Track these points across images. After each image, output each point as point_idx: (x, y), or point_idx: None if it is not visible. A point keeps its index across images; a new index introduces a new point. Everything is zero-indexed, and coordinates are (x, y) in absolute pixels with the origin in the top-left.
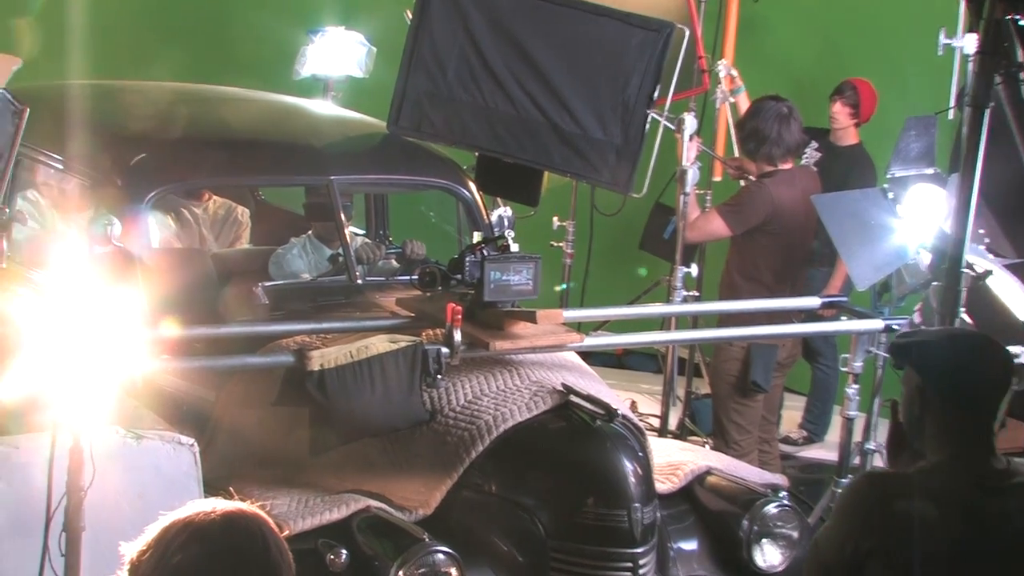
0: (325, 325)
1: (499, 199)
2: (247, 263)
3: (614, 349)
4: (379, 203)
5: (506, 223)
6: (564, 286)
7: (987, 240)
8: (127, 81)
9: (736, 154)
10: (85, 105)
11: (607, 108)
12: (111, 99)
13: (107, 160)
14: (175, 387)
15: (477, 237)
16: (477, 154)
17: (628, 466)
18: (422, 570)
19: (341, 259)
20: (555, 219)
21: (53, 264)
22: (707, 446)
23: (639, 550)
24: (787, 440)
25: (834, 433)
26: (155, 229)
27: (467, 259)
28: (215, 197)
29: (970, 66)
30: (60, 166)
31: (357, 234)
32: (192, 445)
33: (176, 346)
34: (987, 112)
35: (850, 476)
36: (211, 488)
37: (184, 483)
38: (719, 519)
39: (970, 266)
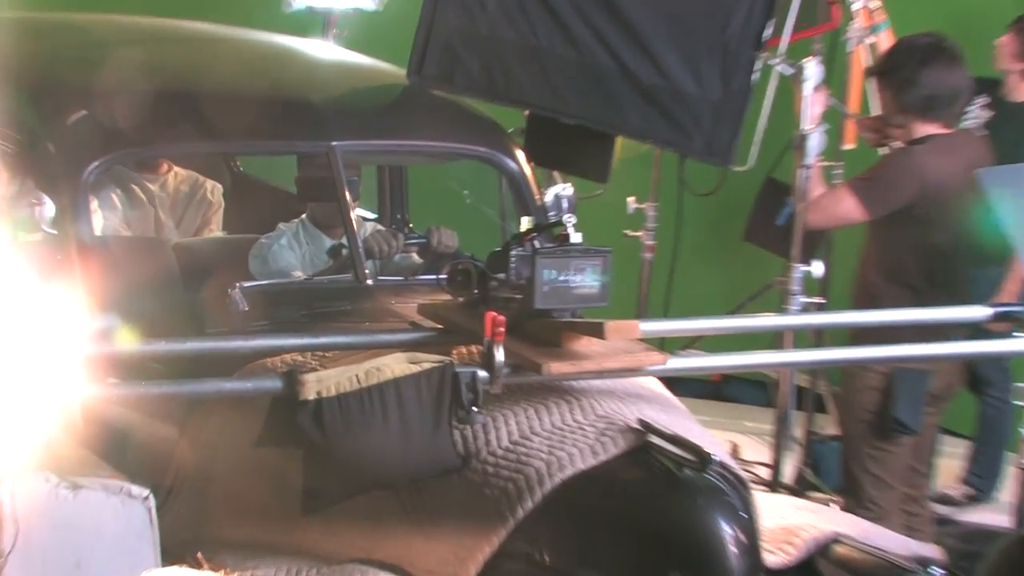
0: (323, 339)
1: (556, 173)
2: (220, 256)
3: (709, 374)
4: (396, 178)
5: (565, 204)
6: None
7: None
8: (61, 14)
9: (875, 112)
10: (4, 44)
11: (701, 52)
12: (40, 36)
13: (33, 118)
14: (125, 421)
15: (526, 223)
16: (527, 113)
17: (726, 530)
18: None
19: (345, 252)
20: (631, 200)
21: None
22: (834, 505)
23: None
24: (944, 498)
25: (1008, 490)
26: (98, 211)
27: (513, 252)
28: (176, 169)
29: None
30: None
31: (367, 219)
32: (146, 498)
33: (126, 366)
34: None
35: None
36: (171, 554)
37: (135, 547)
38: None
39: None
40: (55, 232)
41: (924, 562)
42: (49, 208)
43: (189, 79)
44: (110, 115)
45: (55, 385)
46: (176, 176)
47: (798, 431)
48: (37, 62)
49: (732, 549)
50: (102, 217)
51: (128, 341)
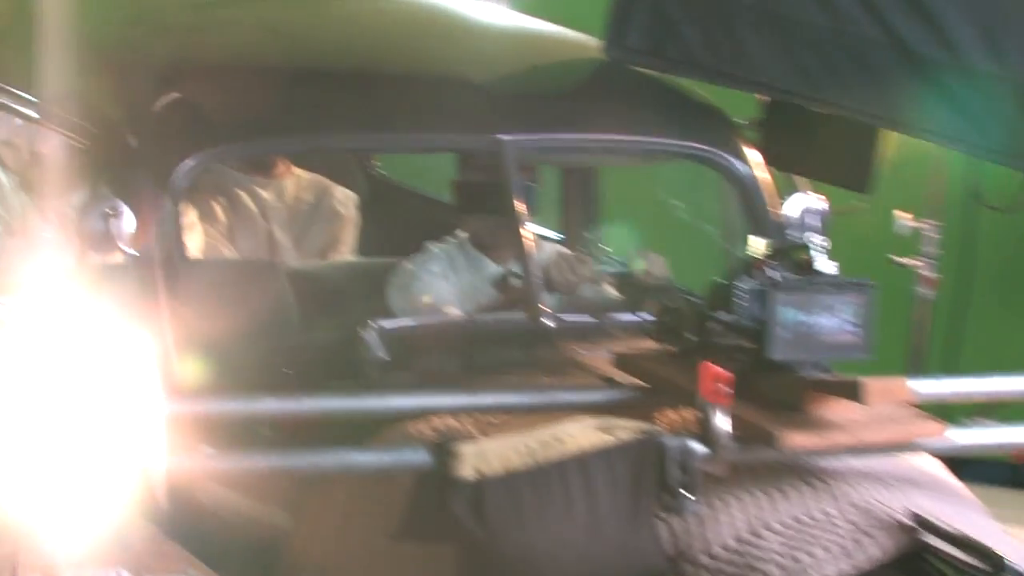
0: (487, 398)
1: (801, 178)
2: (351, 285)
3: (1007, 453)
4: (585, 184)
5: (813, 221)
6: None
7: None
8: None
9: None
10: (75, 9)
11: (999, 17)
12: None
13: (111, 103)
14: (223, 502)
15: (759, 246)
16: (763, 99)
17: None
18: None
19: (516, 282)
20: (900, 216)
21: (17, 283)
22: None
23: None
24: None
25: None
26: (193, 225)
27: (740, 286)
28: (296, 171)
29: None
30: (30, 113)
31: (546, 239)
32: None
33: (225, 430)
34: None
35: None
36: None
37: None
38: None
39: None
40: (136, 252)
41: None
42: (129, 221)
43: (313, 52)
44: (209, 98)
45: (132, 454)
46: (296, 180)
47: None
48: (112, 28)
49: None
50: (198, 233)
51: (228, 397)
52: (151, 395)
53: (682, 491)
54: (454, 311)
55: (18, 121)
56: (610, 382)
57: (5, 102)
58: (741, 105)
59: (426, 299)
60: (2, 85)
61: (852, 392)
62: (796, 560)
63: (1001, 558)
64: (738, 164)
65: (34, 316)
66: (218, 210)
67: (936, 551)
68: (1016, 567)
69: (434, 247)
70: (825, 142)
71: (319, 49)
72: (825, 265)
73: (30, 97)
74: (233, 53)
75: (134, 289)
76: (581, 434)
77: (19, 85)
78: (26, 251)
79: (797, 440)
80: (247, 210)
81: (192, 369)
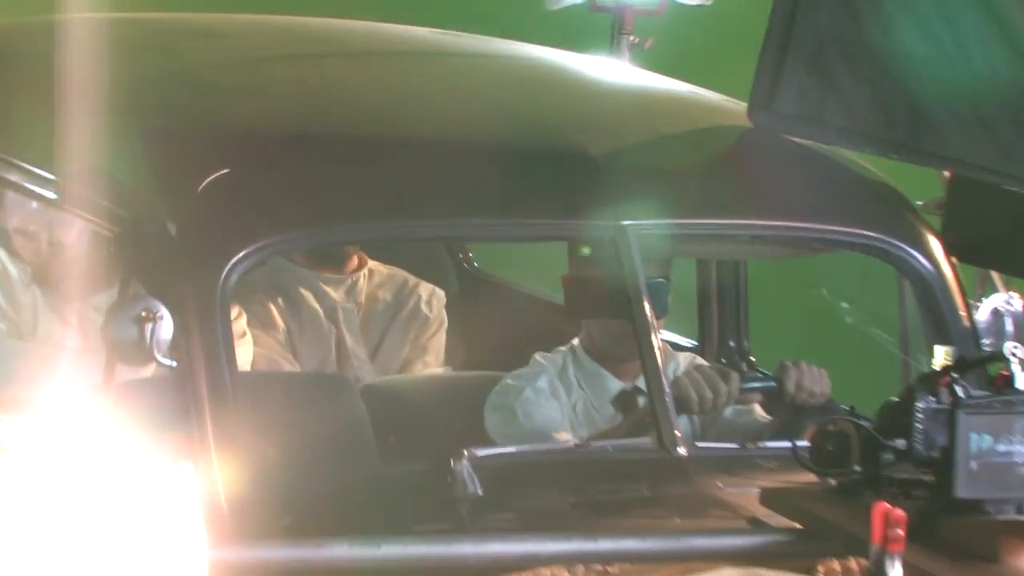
0: (606, 544)
1: (995, 274)
2: (438, 404)
3: None
4: (728, 280)
5: (1009, 327)
6: None
7: None
8: (189, 14)
9: None
10: (103, 64)
11: None
12: (157, 51)
13: (147, 181)
14: None
15: (943, 356)
16: (947, 175)
17: None
18: None
19: (642, 401)
20: None
21: (33, 400)
22: None
23: None
24: None
25: None
26: (245, 331)
27: (919, 405)
28: (372, 264)
29: None
30: (48, 194)
31: (679, 347)
32: None
33: None
34: None
35: None
36: None
37: None
38: None
39: None
40: (175, 364)
41: None
42: (167, 326)
43: (395, 119)
44: (267, 175)
45: None
46: (372, 276)
47: None
48: (149, 90)
49: None
50: (251, 340)
51: (289, 541)
52: (194, 542)
53: None
54: (565, 437)
55: (34, 204)
56: (757, 524)
57: (19, 181)
58: (920, 183)
59: (531, 422)
60: (16, 160)
61: None
62: None
63: None
64: (919, 256)
65: (48, 441)
66: (276, 313)
67: None
68: None
69: (541, 358)
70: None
71: (402, 116)
72: None
73: (49, 175)
74: (296, 120)
75: (173, 410)
76: None
77: (36, 161)
78: (41, 360)
79: None
80: (312, 313)
81: (244, 507)
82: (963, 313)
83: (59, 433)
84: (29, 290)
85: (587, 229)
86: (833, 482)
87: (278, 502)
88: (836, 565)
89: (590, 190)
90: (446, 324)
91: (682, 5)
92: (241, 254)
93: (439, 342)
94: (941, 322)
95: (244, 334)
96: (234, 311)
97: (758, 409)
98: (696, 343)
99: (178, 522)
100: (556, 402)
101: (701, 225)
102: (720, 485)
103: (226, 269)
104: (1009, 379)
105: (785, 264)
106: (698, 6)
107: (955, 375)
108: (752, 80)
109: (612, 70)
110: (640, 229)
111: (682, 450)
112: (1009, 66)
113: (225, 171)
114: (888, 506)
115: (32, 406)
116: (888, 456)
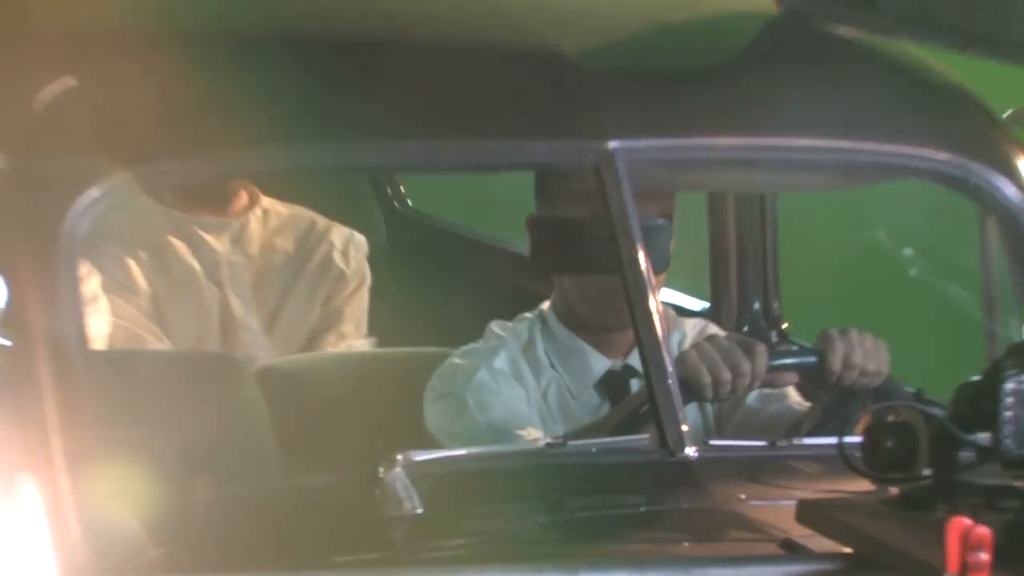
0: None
1: None
2: (360, 392)
3: None
4: (752, 222)
5: None
6: None
7: None
8: None
9: None
10: None
11: None
12: None
13: None
14: None
15: None
16: None
17: None
18: None
19: (637, 384)
20: None
21: None
22: None
23: None
24: None
25: None
26: (98, 295)
27: (1009, 387)
28: (268, 202)
29: None
30: None
31: (687, 312)
32: None
33: None
34: None
35: None
36: None
37: None
38: None
39: None
40: (8, 341)
41: None
42: (1, 292)
43: (288, 10)
44: (124, 93)
45: None
46: (267, 218)
47: None
48: None
49: None
50: (106, 307)
51: (160, 574)
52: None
53: None
54: (533, 434)
55: None
56: (792, 548)
57: None
58: (1007, 91)
59: (487, 415)
60: None
61: None
62: None
63: None
64: (1009, 185)
65: None
66: (137, 271)
67: None
68: None
69: (500, 328)
70: None
71: (306, 10)
72: None
73: None
74: (164, 18)
75: (7, 399)
76: None
77: None
78: None
79: None
80: (186, 268)
81: (102, 534)
82: None
83: None
84: None
85: (560, 153)
86: (894, 491)
87: (147, 526)
88: None
89: (564, 100)
90: (369, 281)
91: None
92: (88, 195)
93: (359, 305)
94: None
95: (96, 300)
96: (83, 270)
97: (792, 394)
98: (709, 305)
99: (14, 555)
100: (520, 387)
101: (713, 147)
102: (742, 496)
103: (70, 216)
104: None
105: (827, 199)
106: None
107: None
108: None
109: None
110: (632, 153)
111: (691, 450)
112: None
113: (69, 89)
114: (968, 522)
115: None
116: (968, 455)
